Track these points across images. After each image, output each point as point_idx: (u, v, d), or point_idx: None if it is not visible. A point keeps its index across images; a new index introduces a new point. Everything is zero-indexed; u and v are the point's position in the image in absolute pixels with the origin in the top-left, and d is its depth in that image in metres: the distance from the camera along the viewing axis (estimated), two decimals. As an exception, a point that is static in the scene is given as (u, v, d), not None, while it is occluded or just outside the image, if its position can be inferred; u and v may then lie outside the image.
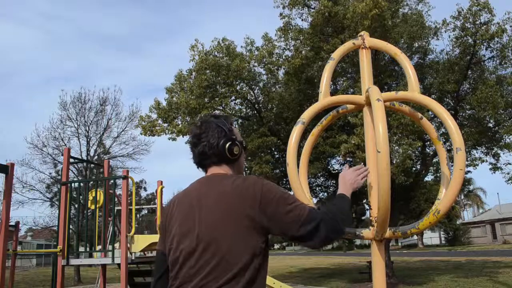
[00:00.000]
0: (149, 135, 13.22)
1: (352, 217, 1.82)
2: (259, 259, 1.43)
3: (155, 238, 6.93)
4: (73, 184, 8.62)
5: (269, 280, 6.01)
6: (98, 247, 7.33)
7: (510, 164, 12.93)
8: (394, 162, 10.30)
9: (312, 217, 1.43)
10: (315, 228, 1.42)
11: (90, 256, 7.51)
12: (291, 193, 1.56)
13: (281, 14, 12.19)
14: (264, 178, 1.52)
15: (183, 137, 12.89)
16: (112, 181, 7.45)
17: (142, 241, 6.76)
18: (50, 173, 22.77)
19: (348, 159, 13.09)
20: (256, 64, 13.04)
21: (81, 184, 8.58)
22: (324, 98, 2.43)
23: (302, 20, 12.52)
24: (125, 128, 22.92)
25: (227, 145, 1.54)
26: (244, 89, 13.34)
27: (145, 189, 38.06)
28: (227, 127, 1.58)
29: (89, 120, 22.39)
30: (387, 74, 12.00)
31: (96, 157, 22.80)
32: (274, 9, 12.24)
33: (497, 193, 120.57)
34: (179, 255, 1.44)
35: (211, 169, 1.58)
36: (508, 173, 12.99)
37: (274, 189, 1.45)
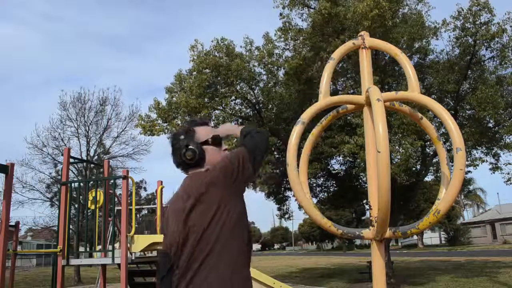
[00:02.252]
0: (148, 135, 13.22)
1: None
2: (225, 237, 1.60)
3: (155, 238, 6.93)
4: (73, 184, 8.62)
5: (269, 280, 6.01)
6: (98, 247, 7.33)
7: (510, 164, 12.92)
8: (395, 161, 10.29)
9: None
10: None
11: (90, 256, 7.51)
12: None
13: (280, 14, 12.18)
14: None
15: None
16: (112, 181, 7.45)
17: (142, 241, 6.75)
18: (50, 173, 22.80)
19: (349, 159, 13.10)
20: (256, 64, 13.04)
21: (81, 184, 8.58)
22: (324, 98, 2.43)
23: (302, 20, 12.53)
24: (125, 128, 22.94)
25: (184, 157, 1.78)
26: (244, 89, 13.33)
27: (145, 189, 37.99)
28: (176, 141, 1.82)
29: (89, 120, 22.41)
30: (388, 74, 11.99)
31: (96, 157, 22.80)
32: (274, 9, 12.22)
33: (497, 193, 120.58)
34: (177, 249, 1.64)
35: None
36: (508, 173, 12.98)
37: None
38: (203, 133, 1.82)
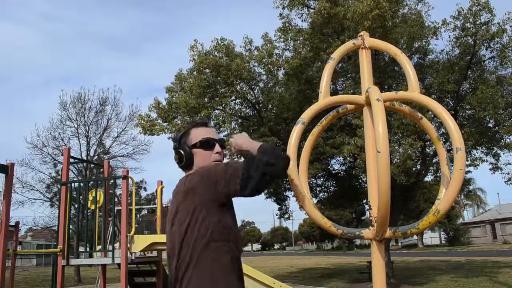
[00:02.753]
0: (148, 135, 13.22)
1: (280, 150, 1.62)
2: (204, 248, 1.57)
3: (155, 238, 6.94)
4: (73, 184, 8.62)
5: (269, 280, 6.01)
6: (98, 247, 7.33)
7: (510, 164, 12.92)
8: (395, 162, 10.29)
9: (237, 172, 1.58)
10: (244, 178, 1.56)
11: (90, 256, 7.51)
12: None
13: (280, 15, 12.17)
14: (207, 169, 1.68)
15: (182, 136, 12.89)
16: (112, 181, 7.45)
17: (142, 241, 6.75)
18: (50, 173, 22.80)
19: (349, 159, 13.09)
20: (256, 64, 13.03)
21: (81, 184, 8.58)
22: (324, 98, 2.43)
23: (302, 20, 12.52)
24: (125, 128, 22.94)
25: (177, 158, 1.80)
26: (244, 89, 13.33)
27: (145, 189, 38.02)
28: (175, 144, 1.84)
29: (89, 120, 22.41)
30: (388, 75, 11.99)
31: (96, 157, 22.80)
32: (274, 10, 12.20)
33: (497, 193, 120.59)
34: (168, 251, 1.67)
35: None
36: (508, 173, 12.99)
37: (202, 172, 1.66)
38: (194, 135, 1.78)
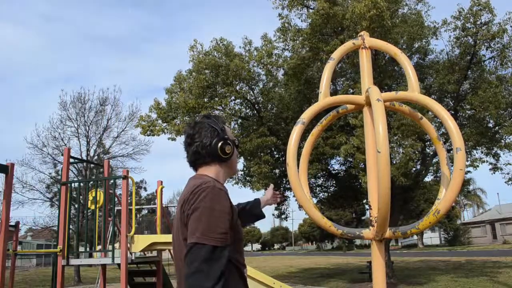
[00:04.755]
0: (148, 135, 13.24)
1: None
2: None
3: (155, 238, 6.94)
4: (73, 184, 8.62)
5: (269, 280, 6.01)
6: (98, 247, 7.33)
7: (510, 164, 12.92)
8: (395, 162, 10.29)
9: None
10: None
11: (90, 256, 7.52)
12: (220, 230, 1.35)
13: (279, 15, 12.19)
14: (219, 190, 1.42)
15: (181, 137, 12.94)
16: (112, 181, 7.45)
17: (142, 241, 6.75)
18: (50, 173, 22.80)
19: (349, 159, 13.10)
20: (255, 64, 13.04)
21: (81, 184, 8.58)
22: (324, 98, 2.42)
23: (301, 21, 12.55)
24: (125, 128, 22.95)
25: (220, 144, 1.55)
26: (243, 89, 13.33)
27: (145, 189, 37.96)
28: (219, 126, 1.59)
29: (89, 120, 22.41)
30: (387, 75, 11.99)
31: (96, 157, 22.80)
32: (273, 10, 12.22)
33: (497, 193, 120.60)
34: (173, 253, 1.61)
35: (200, 169, 1.60)
36: (508, 173, 12.99)
37: (206, 211, 1.35)
38: (230, 133, 1.64)
